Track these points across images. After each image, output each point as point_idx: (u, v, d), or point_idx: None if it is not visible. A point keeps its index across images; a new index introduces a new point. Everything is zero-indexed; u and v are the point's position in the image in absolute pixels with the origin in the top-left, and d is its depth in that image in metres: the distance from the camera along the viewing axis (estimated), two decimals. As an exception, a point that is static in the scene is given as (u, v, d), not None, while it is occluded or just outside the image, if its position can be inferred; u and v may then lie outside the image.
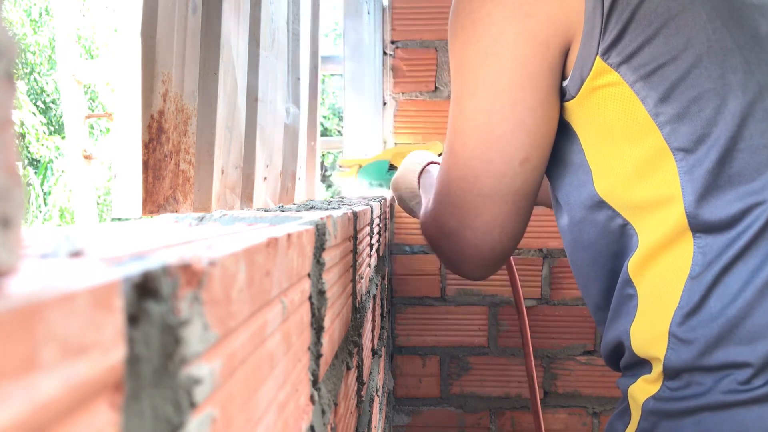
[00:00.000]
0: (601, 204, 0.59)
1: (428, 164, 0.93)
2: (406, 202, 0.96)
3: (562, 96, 0.59)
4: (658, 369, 0.54)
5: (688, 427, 0.51)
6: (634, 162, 0.55)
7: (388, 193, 1.21)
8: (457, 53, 0.61)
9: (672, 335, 0.52)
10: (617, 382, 0.61)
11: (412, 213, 0.97)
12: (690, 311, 0.51)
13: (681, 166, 0.52)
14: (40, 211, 7.56)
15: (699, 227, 0.52)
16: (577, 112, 0.58)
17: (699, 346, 0.51)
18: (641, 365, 0.57)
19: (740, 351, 0.49)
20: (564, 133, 0.61)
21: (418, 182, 0.92)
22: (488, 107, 0.58)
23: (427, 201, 0.76)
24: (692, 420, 0.51)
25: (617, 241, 0.59)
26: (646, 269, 0.55)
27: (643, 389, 0.56)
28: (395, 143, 1.46)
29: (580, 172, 0.60)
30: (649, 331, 0.55)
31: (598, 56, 0.54)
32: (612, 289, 0.61)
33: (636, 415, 0.56)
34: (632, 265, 0.56)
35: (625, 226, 0.57)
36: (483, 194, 0.60)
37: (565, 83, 0.58)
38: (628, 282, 0.57)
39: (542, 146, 0.59)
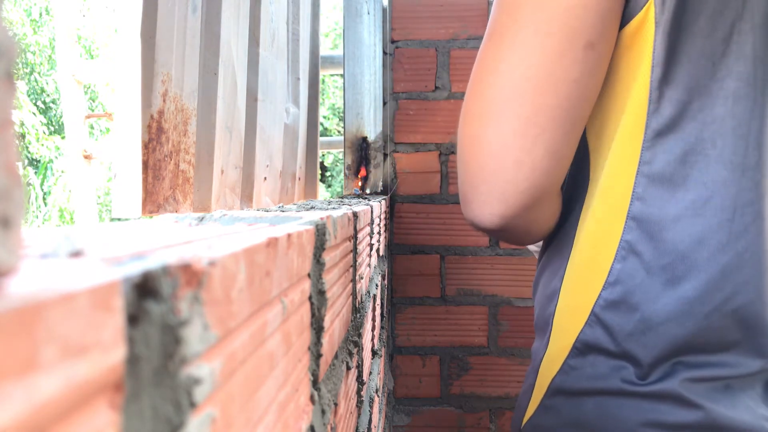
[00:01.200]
0: (584, 143, 0.56)
1: None
2: None
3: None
4: (563, 343, 0.55)
5: (589, 407, 0.52)
6: (617, 115, 0.52)
7: None
8: None
9: (594, 314, 0.53)
10: (533, 349, 0.61)
11: None
12: (614, 302, 0.52)
13: (644, 157, 0.51)
14: (40, 211, 7.56)
15: (637, 218, 0.51)
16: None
17: (613, 332, 0.52)
18: (543, 331, 0.58)
19: (641, 351, 0.51)
20: None
21: None
22: None
23: None
24: (593, 401, 0.52)
25: (576, 190, 0.57)
26: (584, 227, 0.55)
27: (549, 366, 0.56)
28: (395, 143, 1.46)
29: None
30: (573, 300, 0.55)
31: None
32: None
33: (539, 393, 0.57)
34: (580, 218, 0.56)
35: (586, 178, 0.56)
36: (530, 77, 0.49)
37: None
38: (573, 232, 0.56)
39: (610, 39, 0.50)
